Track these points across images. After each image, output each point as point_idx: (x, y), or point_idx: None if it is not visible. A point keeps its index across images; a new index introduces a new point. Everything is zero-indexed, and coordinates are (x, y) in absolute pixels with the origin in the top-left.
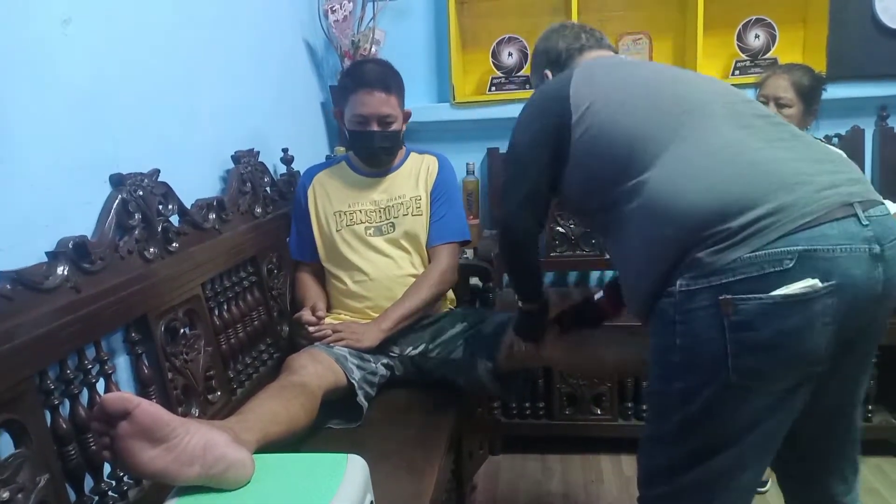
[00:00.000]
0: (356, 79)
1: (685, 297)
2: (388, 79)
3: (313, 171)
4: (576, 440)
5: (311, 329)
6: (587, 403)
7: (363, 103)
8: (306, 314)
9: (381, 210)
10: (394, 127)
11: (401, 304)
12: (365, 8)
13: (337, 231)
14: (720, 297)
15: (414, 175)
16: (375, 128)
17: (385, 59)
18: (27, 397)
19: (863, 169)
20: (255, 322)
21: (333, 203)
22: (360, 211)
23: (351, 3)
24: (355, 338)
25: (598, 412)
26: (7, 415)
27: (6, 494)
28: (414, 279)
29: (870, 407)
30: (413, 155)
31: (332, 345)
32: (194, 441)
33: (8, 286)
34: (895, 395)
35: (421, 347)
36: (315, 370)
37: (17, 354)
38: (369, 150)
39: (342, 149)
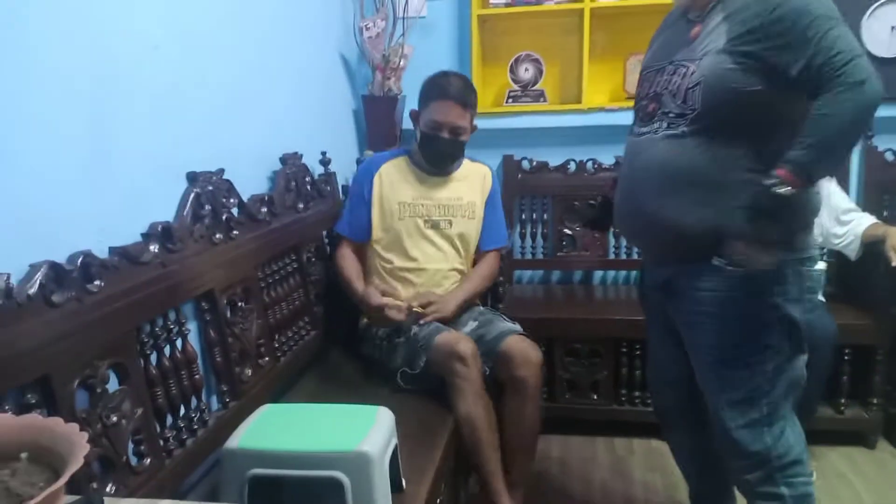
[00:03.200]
0: (440, 89)
1: None
2: (468, 96)
3: (379, 160)
4: (574, 422)
5: (397, 314)
6: (585, 389)
7: (441, 112)
8: (383, 299)
9: (441, 207)
10: (462, 138)
11: (461, 288)
12: (395, 25)
13: (399, 219)
14: None
15: (471, 181)
16: (447, 135)
17: (412, 71)
18: (129, 346)
19: (847, 188)
20: (296, 302)
21: (397, 193)
22: (422, 205)
23: (383, 21)
24: (435, 309)
25: (595, 398)
26: (115, 358)
27: (115, 418)
28: (457, 274)
29: (843, 401)
30: (466, 161)
31: (422, 322)
32: None
33: (116, 258)
34: (865, 392)
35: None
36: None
37: (122, 312)
38: (438, 153)
39: (370, 152)
